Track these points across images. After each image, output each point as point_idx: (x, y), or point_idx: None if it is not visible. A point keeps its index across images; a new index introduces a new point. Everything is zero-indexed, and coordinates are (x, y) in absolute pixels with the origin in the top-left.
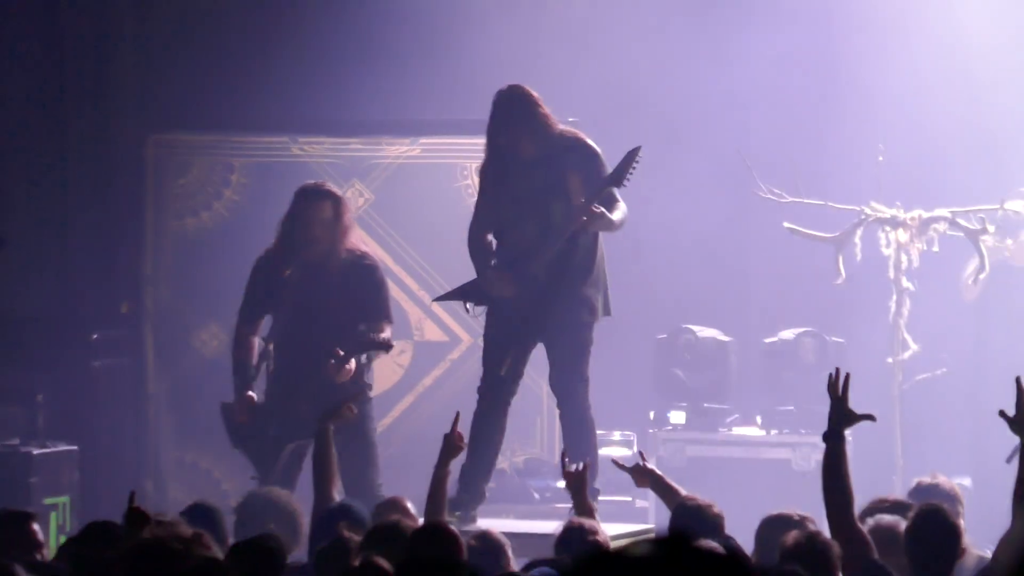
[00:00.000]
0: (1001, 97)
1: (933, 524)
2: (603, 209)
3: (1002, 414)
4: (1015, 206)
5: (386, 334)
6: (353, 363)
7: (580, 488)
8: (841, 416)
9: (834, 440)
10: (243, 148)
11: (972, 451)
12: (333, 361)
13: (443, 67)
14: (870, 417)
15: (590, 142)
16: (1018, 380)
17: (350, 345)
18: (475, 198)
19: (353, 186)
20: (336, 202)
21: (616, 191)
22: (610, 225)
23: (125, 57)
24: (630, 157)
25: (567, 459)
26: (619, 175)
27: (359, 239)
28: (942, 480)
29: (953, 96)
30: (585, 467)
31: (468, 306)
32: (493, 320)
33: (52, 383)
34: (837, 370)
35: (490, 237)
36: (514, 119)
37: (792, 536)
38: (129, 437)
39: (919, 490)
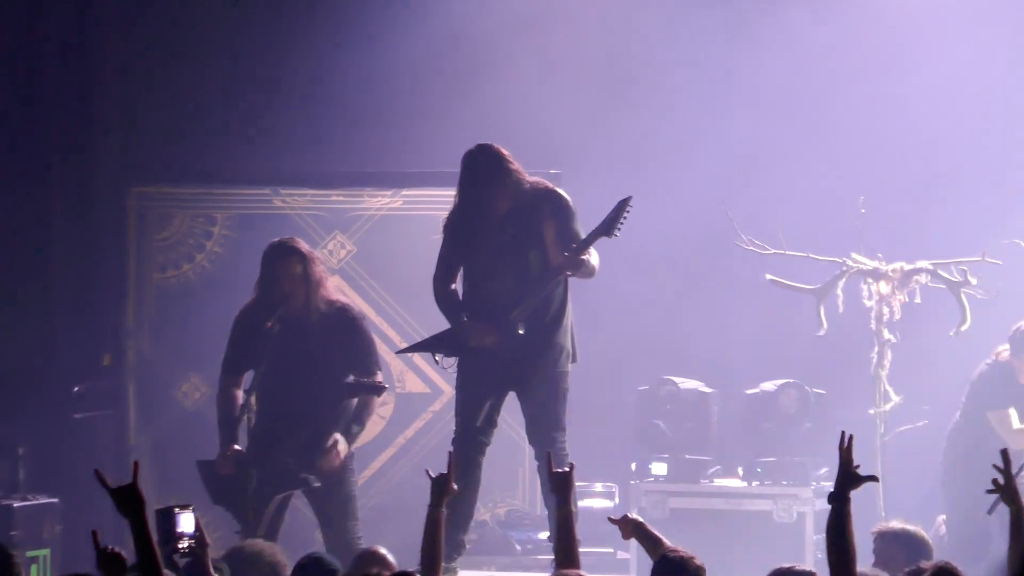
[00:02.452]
0: (983, 148)
1: None
2: (587, 258)
3: (995, 483)
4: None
5: (379, 380)
6: (343, 447)
7: (566, 491)
8: (848, 479)
9: (840, 502)
10: (225, 200)
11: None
12: (327, 454)
13: (425, 119)
14: (873, 478)
15: (561, 191)
16: (1004, 452)
17: (343, 389)
18: None
19: (335, 238)
20: (303, 257)
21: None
22: (591, 273)
23: (107, 109)
24: (621, 207)
25: (553, 463)
26: (610, 225)
27: (336, 289)
28: (909, 527)
29: (935, 148)
30: (571, 468)
31: (437, 358)
32: (467, 371)
33: (33, 435)
34: (843, 433)
35: (454, 287)
36: (485, 177)
37: None
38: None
39: (885, 535)
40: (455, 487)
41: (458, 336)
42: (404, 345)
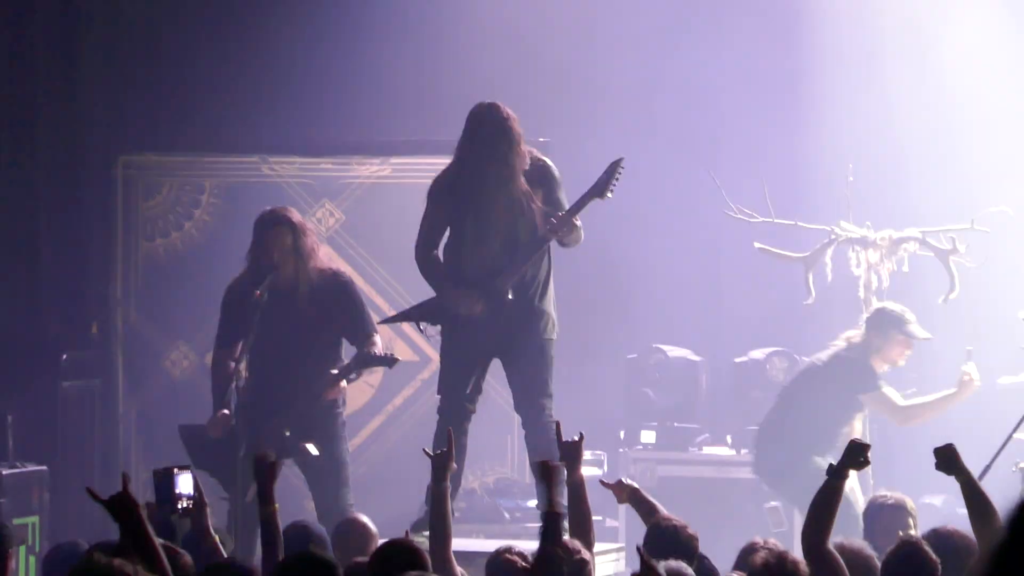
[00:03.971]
0: (971, 117)
1: (911, 562)
2: (579, 223)
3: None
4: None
5: (378, 347)
6: (344, 382)
7: (576, 459)
8: (857, 458)
9: (839, 478)
10: (214, 168)
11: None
12: (329, 379)
13: (414, 88)
14: (868, 462)
15: (549, 162)
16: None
17: (354, 361)
18: None
19: (324, 206)
20: (293, 226)
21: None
22: (579, 240)
23: (94, 78)
24: (613, 168)
25: (560, 434)
26: (603, 187)
27: (327, 257)
28: (896, 496)
29: (924, 116)
30: (581, 437)
31: (422, 326)
32: (452, 339)
33: (22, 404)
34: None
35: (436, 252)
36: (490, 141)
37: (760, 556)
38: (98, 457)
39: (874, 506)
40: (455, 465)
41: (444, 304)
42: (393, 313)
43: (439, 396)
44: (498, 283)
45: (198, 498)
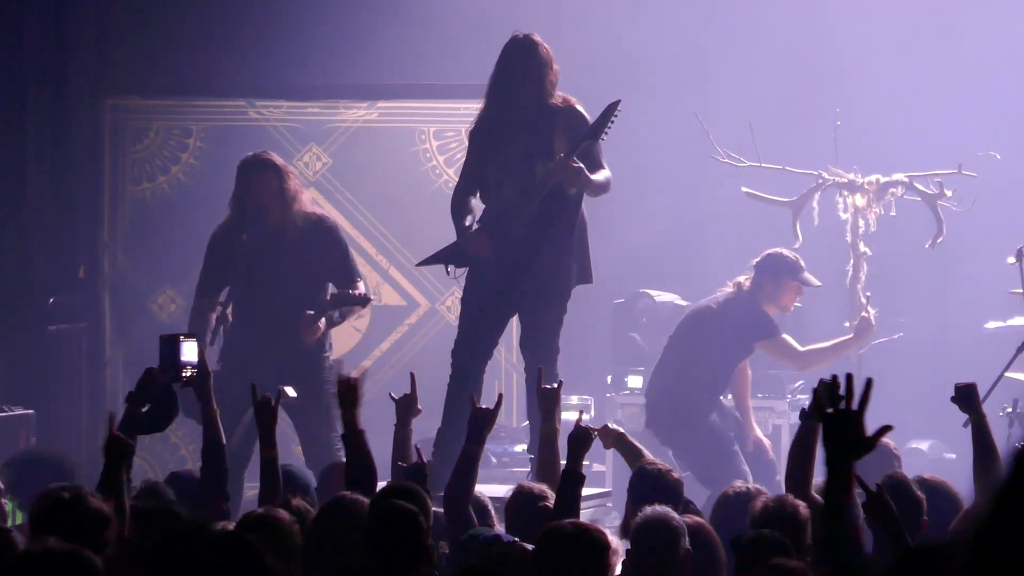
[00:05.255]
0: (959, 62)
1: (896, 495)
2: (581, 165)
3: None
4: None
5: (361, 290)
6: (323, 322)
7: (552, 407)
8: (829, 396)
9: (815, 419)
10: (200, 112)
11: (930, 416)
12: (303, 320)
13: (401, 31)
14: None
15: (580, 107)
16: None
17: (327, 302)
18: (433, 163)
19: (310, 150)
20: (278, 170)
21: (602, 156)
22: (587, 183)
23: (81, 22)
24: (609, 111)
25: (543, 378)
26: (597, 129)
27: (310, 201)
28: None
29: (911, 61)
30: (560, 385)
31: (449, 269)
32: (472, 284)
33: (8, 348)
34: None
35: (473, 200)
36: (525, 69)
37: (761, 502)
38: (85, 402)
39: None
40: (420, 408)
41: (461, 246)
42: (380, 257)
43: (456, 339)
44: (511, 228)
45: (202, 366)
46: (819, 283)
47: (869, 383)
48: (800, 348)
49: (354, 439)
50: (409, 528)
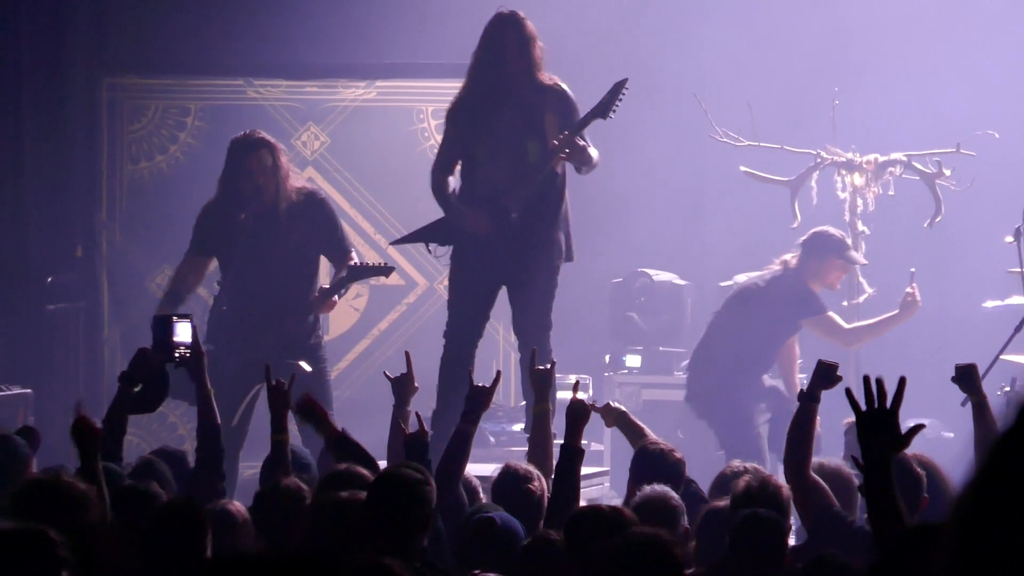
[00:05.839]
0: (956, 42)
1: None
2: (585, 142)
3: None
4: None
5: (355, 259)
6: (336, 297)
7: (545, 388)
8: (823, 381)
9: (813, 400)
10: (198, 91)
11: (929, 395)
12: (319, 295)
13: (399, 10)
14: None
15: (566, 87)
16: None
17: (349, 274)
18: (431, 142)
19: (309, 129)
20: (271, 148)
21: (586, 138)
22: (589, 160)
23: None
24: (616, 89)
25: (536, 359)
26: (605, 107)
27: (304, 178)
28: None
29: (909, 39)
30: (553, 365)
31: (431, 247)
32: (461, 262)
33: (6, 327)
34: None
35: (451, 176)
36: (509, 56)
37: (743, 481)
38: (84, 381)
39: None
40: (417, 386)
41: (452, 223)
42: (378, 237)
43: (447, 319)
44: (507, 203)
45: (195, 347)
46: (865, 261)
47: (902, 382)
48: (846, 325)
49: (341, 443)
50: (416, 495)
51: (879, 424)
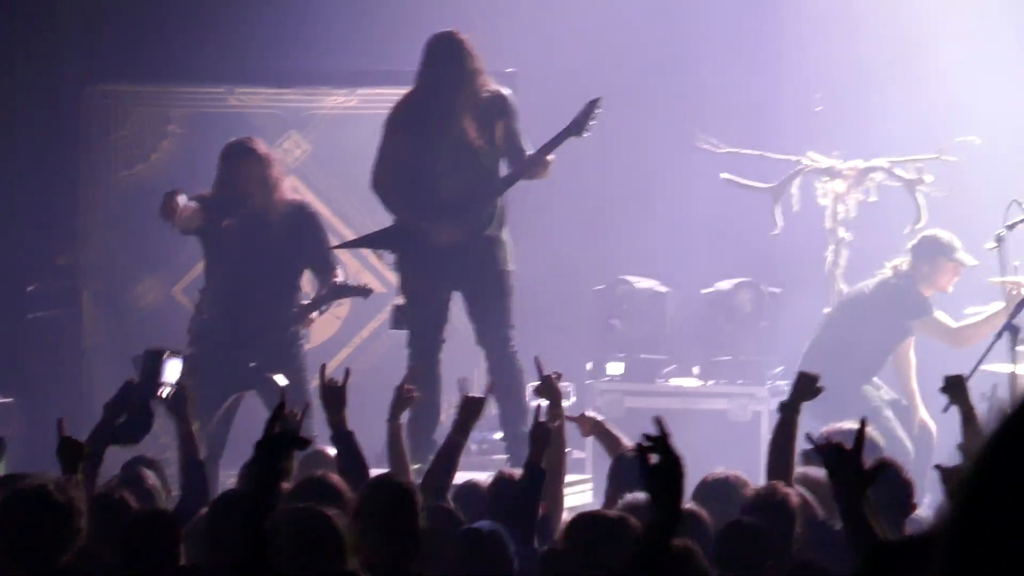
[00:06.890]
0: (939, 46)
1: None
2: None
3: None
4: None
5: (340, 277)
6: (315, 313)
7: (555, 396)
8: (803, 392)
9: (791, 412)
10: (180, 98)
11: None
12: (296, 311)
13: (381, 18)
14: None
15: (507, 93)
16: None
17: (330, 292)
18: None
19: (290, 137)
20: (261, 157)
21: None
22: (546, 174)
23: (65, 6)
24: (590, 108)
25: (541, 369)
26: (579, 125)
27: (291, 188)
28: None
29: (891, 45)
30: (559, 376)
31: (379, 253)
32: (415, 270)
33: None
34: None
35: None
36: (447, 71)
37: (752, 489)
38: (65, 389)
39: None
40: (413, 397)
41: (407, 232)
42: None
43: (408, 330)
44: (472, 214)
45: (180, 388)
46: (976, 262)
47: (863, 423)
48: (954, 325)
49: (345, 440)
50: (404, 504)
51: (844, 468)
